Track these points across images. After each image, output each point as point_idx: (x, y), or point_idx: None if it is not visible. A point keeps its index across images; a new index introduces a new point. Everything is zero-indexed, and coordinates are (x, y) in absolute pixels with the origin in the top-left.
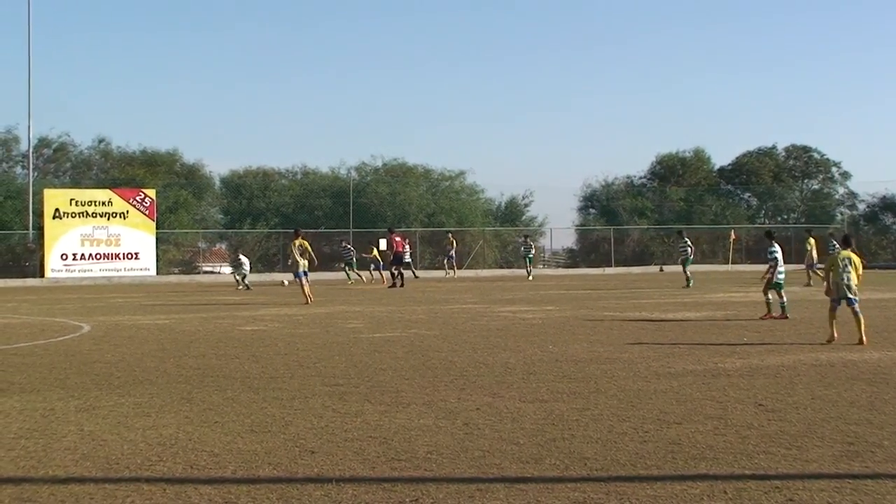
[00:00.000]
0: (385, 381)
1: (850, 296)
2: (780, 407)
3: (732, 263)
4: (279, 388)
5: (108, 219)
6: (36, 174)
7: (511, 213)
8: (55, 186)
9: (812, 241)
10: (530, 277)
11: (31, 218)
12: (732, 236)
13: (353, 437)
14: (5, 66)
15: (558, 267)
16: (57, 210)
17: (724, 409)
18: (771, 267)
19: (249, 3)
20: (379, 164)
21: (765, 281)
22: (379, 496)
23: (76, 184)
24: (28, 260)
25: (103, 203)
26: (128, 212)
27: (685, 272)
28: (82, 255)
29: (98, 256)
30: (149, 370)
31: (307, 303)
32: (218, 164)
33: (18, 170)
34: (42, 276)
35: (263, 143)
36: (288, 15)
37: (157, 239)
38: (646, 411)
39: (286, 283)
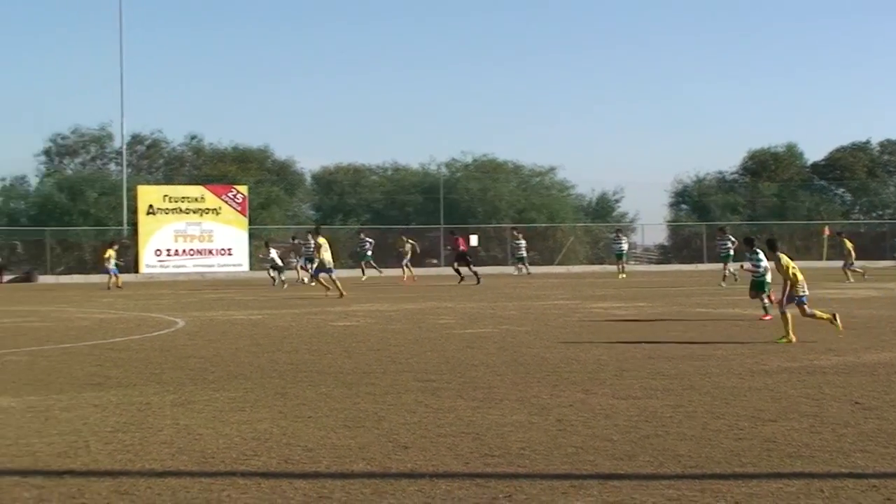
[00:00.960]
0: (477, 377)
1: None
2: (877, 405)
3: (826, 259)
4: (372, 383)
5: (201, 215)
6: (130, 171)
7: (602, 209)
8: (148, 183)
9: (848, 242)
10: (622, 275)
11: (125, 214)
12: (826, 232)
13: (446, 432)
14: (99, 64)
15: (650, 263)
16: (150, 206)
17: (820, 406)
18: (753, 269)
19: (341, 1)
20: (469, 160)
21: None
22: (472, 492)
23: (169, 180)
24: (122, 256)
25: (196, 199)
26: (220, 208)
27: (725, 269)
28: (176, 250)
29: (191, 252)
30: (243, 365)
31: (341, 296)
32: (309, 161)
33: (112, 166)
34: (136, 271)
35: (354, 139)
36: (380, 12)
37: (249, 235)
38: (740, 408)
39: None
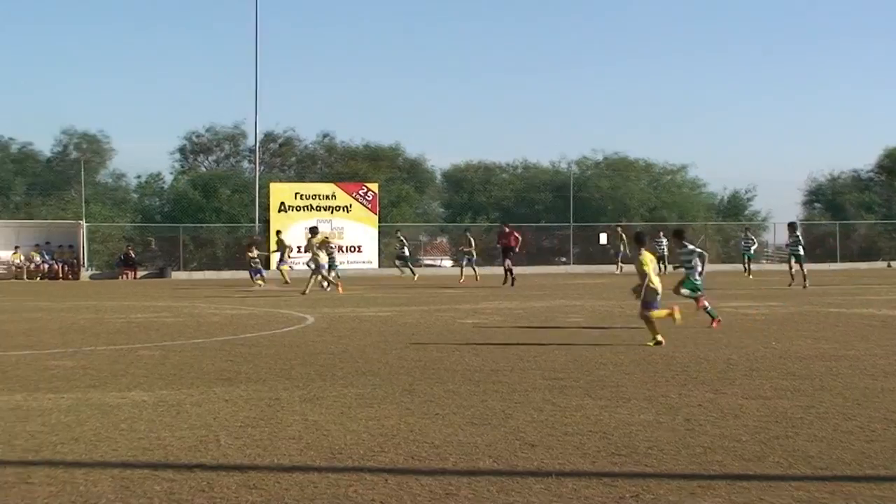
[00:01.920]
0: (605, 376)
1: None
2: None
3: None
4: (499, 381)
5: (332, 212)
6: (262, 168)
7: (734, 208)
8: (280, 180)
9: None
10: (748, 276)
11: (257, 211)
12: None
13: (573, 430)
14: (233, 64)
15: (781, 262)
16: (282, 203)
17: None
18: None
19: (471, 0)
20: (599, 157)
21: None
22: (599, 490)
23: (301, 178)
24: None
25: (327, 197)
26: (351, 205)
27: (792, 268)
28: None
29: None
30: (371, 362)
31: (340, 291)
32: (440, 159)
33: (245, 164)
34: (267, 268)
35: (485, 137)
36: (511, 11)
37: (379, 232)
38: (873, 410)
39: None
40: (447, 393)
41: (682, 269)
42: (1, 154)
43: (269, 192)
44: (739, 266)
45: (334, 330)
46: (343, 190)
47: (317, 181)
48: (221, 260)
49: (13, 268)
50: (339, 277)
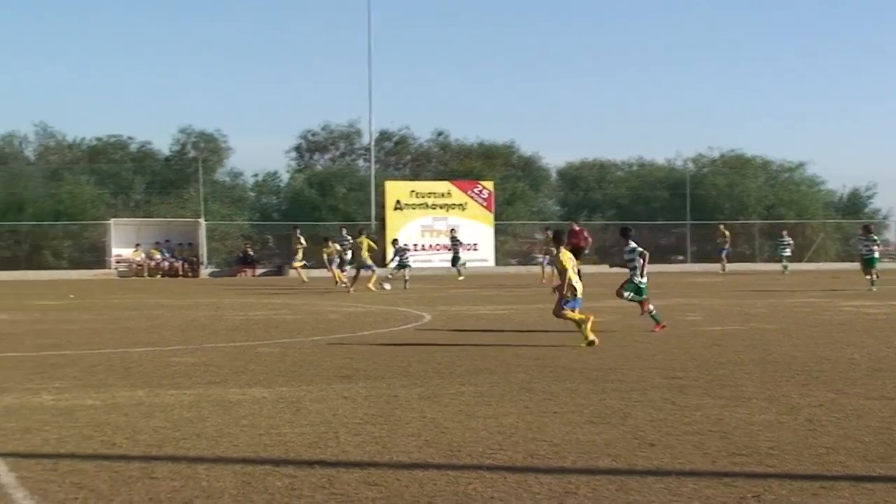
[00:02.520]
0: (725, 375)
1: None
2: None
3: None
4: (618, 379)
5: (447, 210)
6: (377, 166)
7: (853, 205)
8: (396, 178)
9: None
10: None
11: (373, 209)
12: None
13: (692, 430)
14: (348, 62)
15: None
16: (398, 201)
17: None
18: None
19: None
20: (716, 155)
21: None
22: (719, 490)
23: (416, 176)
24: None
25: (442, 195)
26: (466, 203)
27: (868, 273)
28: (422, 245)
29: (437, 247)
30: (489, 359)
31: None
32: (554, 156)
33: (361, 162)
34: (384, 266)
35: (599, 135)
36: (624, 10)
37: (494, 230)
38: None
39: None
40: (565, 391)
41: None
42: (121, 153)
43: (384, 190)
44: (858, 265)
45: (451, 327)
46: (458, 188)
47: (432, 179)
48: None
49: (134, 265)
50: (389, 276)
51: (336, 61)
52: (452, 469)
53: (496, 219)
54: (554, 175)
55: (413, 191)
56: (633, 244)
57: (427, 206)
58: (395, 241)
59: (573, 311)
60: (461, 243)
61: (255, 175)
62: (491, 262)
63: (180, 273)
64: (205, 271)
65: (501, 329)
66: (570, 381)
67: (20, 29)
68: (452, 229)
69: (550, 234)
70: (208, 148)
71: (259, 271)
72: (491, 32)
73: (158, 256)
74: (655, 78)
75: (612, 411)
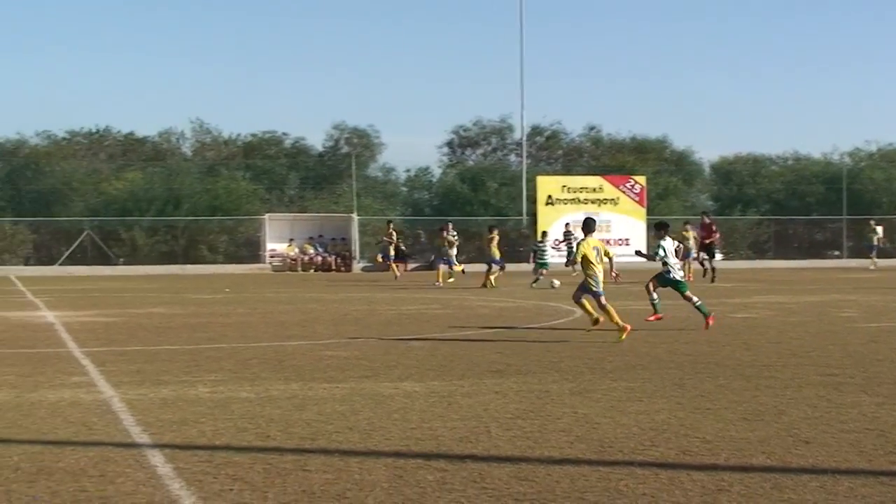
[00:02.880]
0: (882, 372)
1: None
2: None
3: None
4: (771, 376)
5: (599, 205)
6: (529, 161)
7: None
8: (547, 173)
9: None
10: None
11: (524, 204)
12: None
13: (848, 428)
14: (500, 58)
15: None
16: (549, 196)
17: None
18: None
19: None
20: (873, 149)
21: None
22: (876, 490)
23: (567, 171)
24: (522, 245)
25: (594, 190)
26: (618, 198)
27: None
28: (572, 240)
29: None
30: (640, 355)
31: (439, 284)
32: (708, 151)
33: (512, 157)
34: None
35: (754, 129)
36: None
37: (647, 225)
38: None
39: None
40: (718, 388)
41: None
42: (275, 149)
43: (535, 185)
44: None
45: (603, 323)
46: (610, 183)
47: (583, 174)
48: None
49: (288, 260)
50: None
51: (488, 57)
52: (603, 465)
53: (648, 213)
54: (707, 169)
55: (564, 186)
56: (661, 242)
57: (578, 200)
58: (544, 234)
59: (599, 299)
60: (574, 237)
61: (408, 170)
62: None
63: (333, 267)
64: (357, 266)
65: (653, 325)
66: (722, 377)
67: (177, 28)
68: (567, 224)
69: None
70: (361, 143)
71: (411, 266)
72: (643, 26)
73: (312, 251)
74: (810, 71)
75: (766, 408)
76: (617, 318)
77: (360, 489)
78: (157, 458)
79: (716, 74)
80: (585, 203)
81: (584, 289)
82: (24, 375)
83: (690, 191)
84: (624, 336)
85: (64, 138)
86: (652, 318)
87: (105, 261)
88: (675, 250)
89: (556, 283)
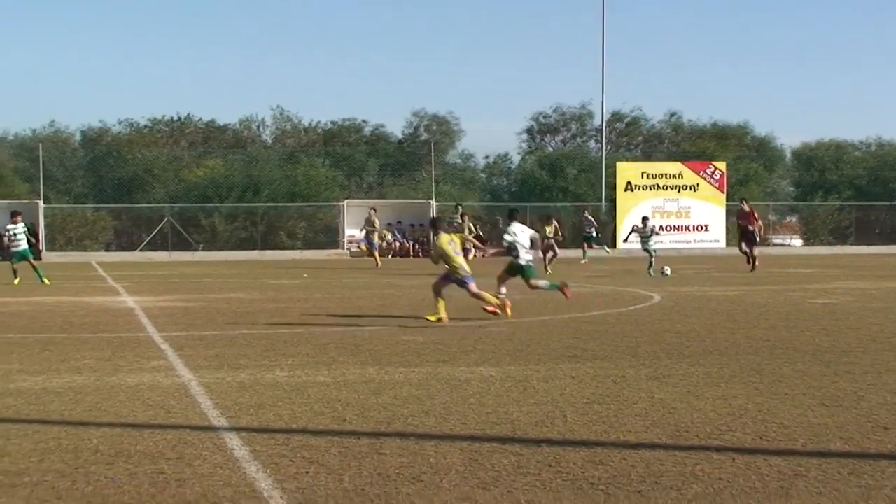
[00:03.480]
0: None
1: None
2: None
3: None
4: (851, 362)
5: (679, 191)
6: (608, 148)
7: None
8: (627, 159)
9: None
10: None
11: (603, 190)
12: None
13: None
14: (581, 45)
15: None
16: (629, 183)
17: None
18: (503, 250)
19: None
20: None
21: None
22: None
23: (647, 157)
24: (600, 231)
25: (673, 176)
26: (698, 185)
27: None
28: (653, 226)
29: (668, 228)
30: (718, 341)
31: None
32: (789, 137)
33: (592, 143)
34: (614, 246)
35: (836, 115)
36: None
37: (727, 211)
38: None
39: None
40: (796, 373)
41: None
42: (355, 136)
43: (615, 171)
44: None
45: (681, 309)
46: (690, 169)
47: (663, 160)
48: (567, 238)
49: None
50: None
51: (568, 43)
52: (679, 450)
53: (728, 200)
54: (788, 155)
55: (644, 172)
56: (510, 228)
57: (658, 187)
58: (644, 220)
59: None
60: (592, 223)
61: (486, 157)
62: (722, 244)
63: (411, 253)
64: None
65: (731, 310)
66: (801, 363)
67: (257, 16)
68: (585, 210)
69: (431, 218)
70: (440, 130)
71: (490, 251)
72: (724, 13)
73: (390, 237)
74: (893, 52)
75: (844, 394)
76: (491, 299)
77: (435, 472)
78: (234, 441)
79: (798, 59)
80: (665, 189)
81: (450, 279)
82: (104, 359)
83: (771, 177)
84: (508, 311)
85: (146, 126)
86: (490, 308)
87: (185, 247)
88: (532, 239)
89: (668, 269)
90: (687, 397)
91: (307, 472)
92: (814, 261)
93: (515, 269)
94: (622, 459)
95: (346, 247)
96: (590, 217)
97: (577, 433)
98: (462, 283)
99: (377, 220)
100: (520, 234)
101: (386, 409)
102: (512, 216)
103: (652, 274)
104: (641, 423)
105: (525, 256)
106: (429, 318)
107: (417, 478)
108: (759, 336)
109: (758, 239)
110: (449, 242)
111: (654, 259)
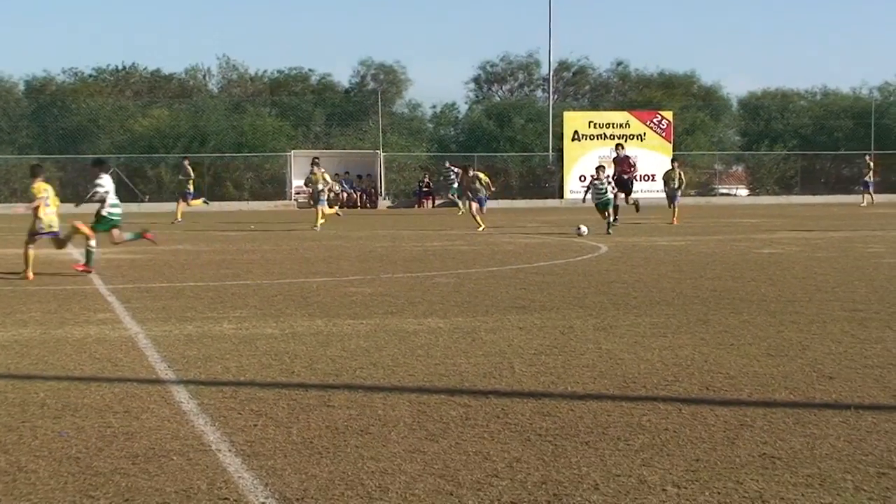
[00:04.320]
0: None
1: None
2: None
3: None
4: (796, 311)
5: (626, 141)
6: (556, 97)
7: None
8: (574, 109)
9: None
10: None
11: (550, 140)
12: None
13: (872, 363)
14: None
15: None
16: (576, 132)
17: None
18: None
19: None
20: None
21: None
22: None
23: (594, 106)
24: (547, 181)
25: (620, 125)
26: (645, 134)
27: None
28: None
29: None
30: (665, 291)
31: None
32: (735, 86)
33: (539, 93)
34: (561, 196)
35: (783, 64)
36: None
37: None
38: None
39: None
40: (742, 323)
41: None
42: (301, 85)
43: (562, 120)
44: None
45: (628, 259)
46: (637, 118)
47: (610, 109)
48: (515, 189)
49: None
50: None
51: None
52: (626, 400)
53: (675, 149)
54: (735, 105)
55: (591, 121)
56: (98, 180)
57: (605, 136)
58: (599, 169)
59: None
60: (457, 174)
61: (434, 106)
62: None
63: (359, 205)
64: (383, 203)
65: (678, 261)
66: (747, 313)
67: None
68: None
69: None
70: (387, 80)
71: (437, 202)
72: None
73: (338, 188)
74: (839, 4)
75: (790, 344)
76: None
77: (384, 425)
78: (181, 394)
79: (744, 8)
80: (612, 139)
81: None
82: (50, 312)
83: (718, 126)
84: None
85: (90, 76)
86: (80, 267)
87: (131, 198)
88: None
89: (584, 229)
90: (634, 348)
91: (255, 425)
92: (759, 210)
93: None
94: (570, 410)
95: (293, 198)
96: (454, 168)
97: (525, 384)
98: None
99: (320, 173)
100: (108, 184)
101: (334, 362)
102: (98, 166)
103: (612, 231)
104: (589, 374)
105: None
106: None
107: (366, 430)
108: (705, 286)
109: (632, 186)
110: (44, 189)
111: (614, 214)
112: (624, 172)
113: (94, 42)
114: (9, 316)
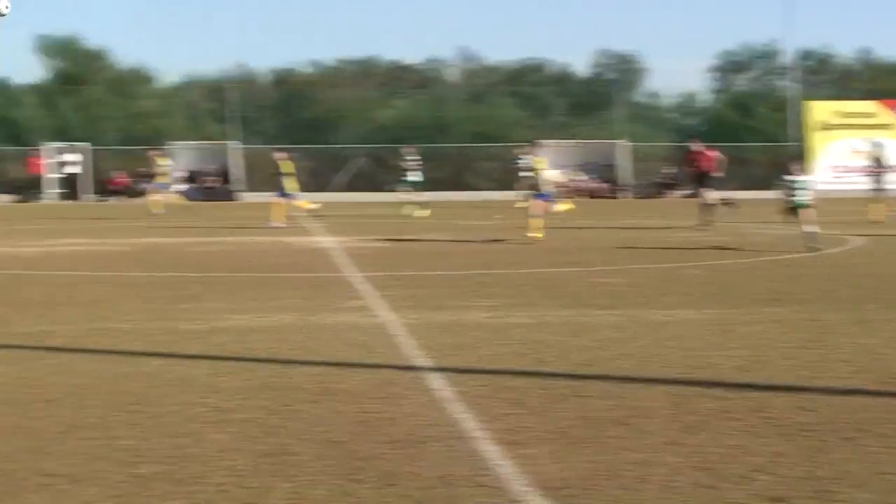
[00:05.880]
0: None
1: None
2: None
3: None
4: None
5: (873, 131)
6: (799, 86)
7: None
8: (818, 98)
9: None
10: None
11: (794, 130)
12: None
13: None
14: None
15: None
16: (821, 122)
17: None
18: None
19: None
20: None
21: None
22: None
23: (840, 96)
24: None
25: (868, 115)
26: (894, 124)
27: None
28: (846, 167)
29: (863, 169)
30: None
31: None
32: None
33: (782, 82)
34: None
35: None
36: None
37: None
38: None
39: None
40: None
41: None
42: (539, 76)
43: (806, 110)
44: None
45: (879, 252)
46: (887, 107)
47: (857, 99)
48: (759, 179)
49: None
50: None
51: None
52: (889, 396)
53: None
54: None
55: (837, 111)
56: None
57: (851, 126)
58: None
59: None
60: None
61: (674, 96)
62: None
63: (600, 195)
64: (625, 193)
65: None
66: None
67: None
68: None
69: None
70: (626, 69)
71: (679, 193)
72: None
73: (580, 178)
74: None
75: None
76: None
77: (640, 416)
78: (437, 382)
79: None
80: (859, 129)
81: None
82: (306, 299)
83: None
84: None
85: (333, 67)
86: None
87: (377, 188)
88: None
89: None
90: (894, 343)
91: (510, 413)
92: None
93: None
94: (828, 405)
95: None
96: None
97: (782, 378)
98: None
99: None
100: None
101: (585, 351)
102: None
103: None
104: (847, 369)
105: None
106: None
107: (623, 421)
108: None
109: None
110: None
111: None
112: (703, 166)
113: (338, 34)
114: (267, 302)
